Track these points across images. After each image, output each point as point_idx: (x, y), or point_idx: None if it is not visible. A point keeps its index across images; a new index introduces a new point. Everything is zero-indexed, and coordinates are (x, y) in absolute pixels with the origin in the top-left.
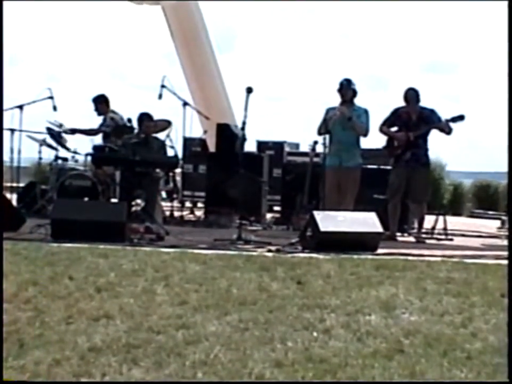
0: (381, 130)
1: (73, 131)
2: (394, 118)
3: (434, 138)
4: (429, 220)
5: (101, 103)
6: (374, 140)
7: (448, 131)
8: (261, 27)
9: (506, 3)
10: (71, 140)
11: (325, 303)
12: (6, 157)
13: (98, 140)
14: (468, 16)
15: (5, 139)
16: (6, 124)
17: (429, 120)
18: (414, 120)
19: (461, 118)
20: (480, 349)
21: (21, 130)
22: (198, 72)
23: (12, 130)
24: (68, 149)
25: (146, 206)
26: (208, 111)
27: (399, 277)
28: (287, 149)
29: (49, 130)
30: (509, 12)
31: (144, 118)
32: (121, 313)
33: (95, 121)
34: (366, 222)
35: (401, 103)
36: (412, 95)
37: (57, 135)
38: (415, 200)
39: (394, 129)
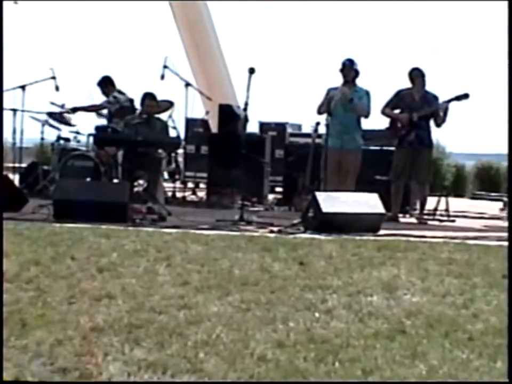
0: (383, 112)
1: (74, 110)
2: (397, 99)
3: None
4: (431, 201)
5: (106, 85)
6: (377, 121)
7: (440, 121)
8: (263, 8)
9: (506, 3)
10: (74, 121)
11: (326, 284)
12: (9, 137)
13: (101, 120)
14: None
15: (8, 119)
16: (9, 104)
17: (432, 103)
18: (417, 101)
19: (465, 96)
20: (481, 330)
21: (23, 111)
22: (200, 53)
23: (14, 111)
24: (72, 125)
25: (148, 187)
26: (211, 91)
27: (401, 258)
28: (289, 130)
29: (50, 115)
30: (509, 12)
31: (147, 97)
32: (123, 293)
33: (99, 100)
34: (368, 203)
35: (404, 85)
36: (416, 75)
37: (59, 117)
38: (418, 181)
39: (397, 111)
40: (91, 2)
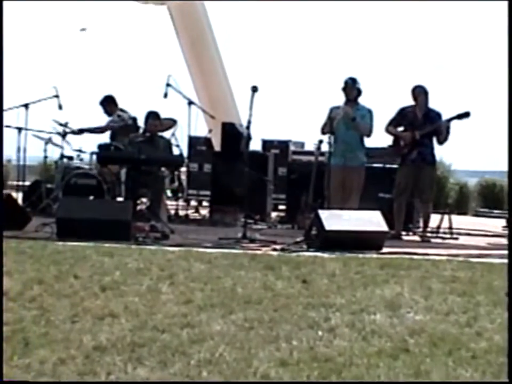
0: (387, 130)
1: (80, 131)
2: (400, 117)
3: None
4: (434, 219)
5: (108, 104)
6: (379, 139)
7: (442, 139)
8: (266, 26)
9: (506, 3)
10: (77, 139)
11: (330, 302)
12: (13, 155)
13: (104, 138)
14: (471, 14)
15: (13, 138)
16: (12, 123)
17: (434, 121)
18: (419, 119)
19: (466, 115)
20: (485, 348)
21: (27, 129)
22: (203, 71)
23: (19, 129)
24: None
25: (151, 205)
26: (214, 110)
27: (404, 275)
28: (292, 147)
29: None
30: (509, 12)
31: (151, 116)
32: (126, 312)
33: (101, 119)
34: (371, 220)
35: (407, 103)
36: (419, 92)
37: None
38: (421, 199)
39: (400, 129)
40: (94, 20)
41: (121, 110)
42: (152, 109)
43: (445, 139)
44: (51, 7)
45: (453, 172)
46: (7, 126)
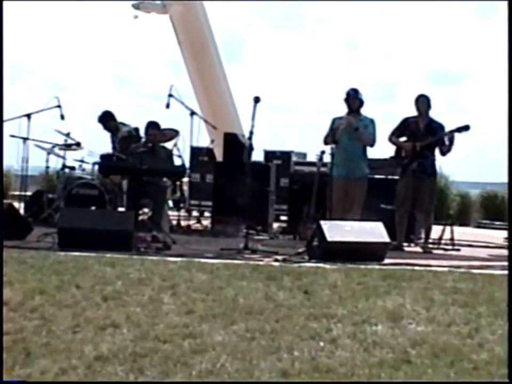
0: (390, 140)
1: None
2: (403, 127)
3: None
4: (436, 230)
5: (107, 120)
6: (382, 150)
7: (445, 151)
8: (268, 37)
9: (506, 3)
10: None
11: (331, 313)
12: (15, 165)
13: (107, 149)
14: (474, 25)
15: (14, 148)
16: (14, 133)
17: (436, 133)
18: (421, 131)
19: (466, 128)
20: (487, 359)
21: (34, 140)
22: (206, 82)
23: (24, 139)
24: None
25: (153, 215)
26: (216, 120)
27: (406, 287)
28: (294, 158)
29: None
30: (509, 11)
31: (151, 126)
32: (128, 322)
33: (101, 131)
34: (373, 231)
35: (408, 114)
36: (422, 102)
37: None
38: (422, 210)
39: (403, 139)
40: (96, 30)
41: (122, 124)
42: (154, 119)
43: (448, 150)
44: (53, 15)
45: (455, 183)
46: (13, 136)
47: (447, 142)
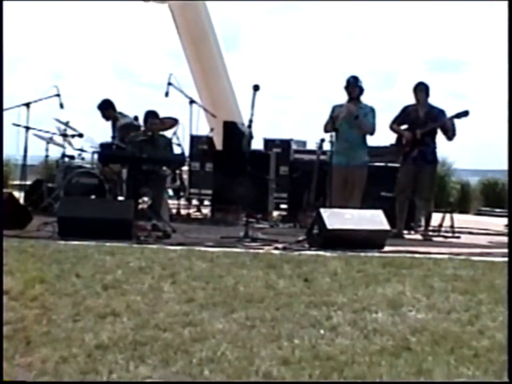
0: (391, 128)
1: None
2: (404, 115)
3: (442, 136)
4: (436, 218)
5: (106, 108)
6: (382, 138)
7: (451, 135)
8: (267, 25)
9: (506, 3)
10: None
11: (331, 301)
12: (16, 155)
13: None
14: (473, 13)
15: (13, 137)
16: (13, 121)
17: (437, 119)
18: (421, 118)
19: (465, 113)
20: (487, 346)
21: (36, 129)
22: (205, 70)
23: (27, 128)
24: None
25: (153, 204)
26: (215, 109)
27: (406, 274)
28: (294, 146)
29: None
30: (509, 11)
31: (150, 116)
32: (128, 310)
33: (101, 120)
34: (373, 219)
35: (408, 102)
36: (421, 89)
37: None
38: (422, 197)
39: (404, 127)
40: (97, 20)
41: (120, 114)
42: (154, 108)
43: (453, 135)
44: (53, 5)
45: (455, 171)
46: (16, 125)
47: (449, 128)
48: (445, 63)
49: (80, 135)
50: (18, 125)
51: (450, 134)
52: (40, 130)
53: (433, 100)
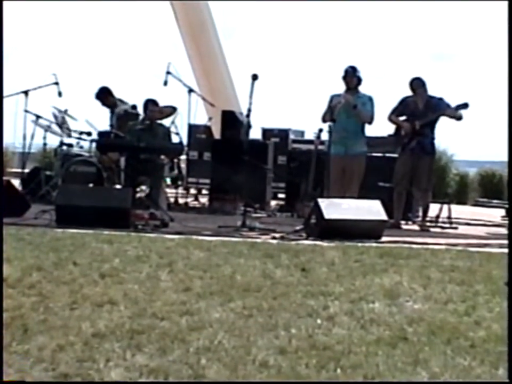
0: (390, 119)
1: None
2: (402, 107)
3: (441, 128)
4: (433, 209)
5: (105, 96)
6: (380, 128)
7: (458, 117)
8: (265, 14)
9: (506, 3)
10: (76, 126)
11: (328, 291)
12: (16, 143)
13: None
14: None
15: (11, 125)
16: (11, 110)
17: (437, 108)
18: (421, 109)
19: (465, 105)
20: (483, 337)
21: (45, 118)
22: (204, 59)
23: (37, 117)
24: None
25: (151, 193)
26: (214, 98)
27: (403, 264)
28: (292, 136)
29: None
30: (509, 11)
31: (149, 103)
32: (125, 299)
33: (100, 108)
34: (371, 209)
35: (406, 92)
36: (417, 84)
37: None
38: (420, 188)
39: (403, 118)
40: (94, 7)
41: (120, 101)
42: (152, 96)
43: (460, 118)
44: None
45: (453, 162)
46: (26, 111)
47: (453, 114)
48: (444, 53)
49: (89, 133)
50: (29, 112)
51: (456, 116)
52: (46, 119)
53: (431, 91)
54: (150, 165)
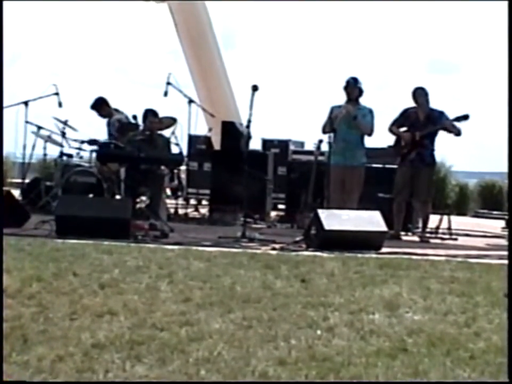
0: (390, 130)
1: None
2: (403, 118)
3: (441, 138)
4: (433, 220)
5: (101, 106)
6: (380, 139)
7: (456, 132)
8: (265, 24)
9: (506, 3)
10: (77, 137)
11: (328, 302)
12: (17, 153)
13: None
14: (470, 15)
15: (11, 136)
16: (11, 120)
17: (437, 121)
18: (421, 120)
19: (465, 117)
20: (483, 348)
21: (47, 129)
22: (204, 70)
23: (39, 128)
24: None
25: (150, 203)
26: (214, 108)
27: (403, 276)
28: (292, 147)
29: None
30: (509, 11)
31: (149, 114)
32: (125, 309)
33: (99, 119)
34: (371, 220)
35: (406, 104)
36: (420, 94)
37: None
38: (419, 199)
39: (403, 129)
40: (95, 17)
41: (116, 111)
42: (152, 107)
43: (458, 133)
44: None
45: (453, 173)
46: (27, 122)
47: (451, 129)
48: (444, 64)
49: (91, 142)
50: (30, 123)
51: (455, 131)
52: (49, 130)
53: (432, 102)
54: (150, 175)
